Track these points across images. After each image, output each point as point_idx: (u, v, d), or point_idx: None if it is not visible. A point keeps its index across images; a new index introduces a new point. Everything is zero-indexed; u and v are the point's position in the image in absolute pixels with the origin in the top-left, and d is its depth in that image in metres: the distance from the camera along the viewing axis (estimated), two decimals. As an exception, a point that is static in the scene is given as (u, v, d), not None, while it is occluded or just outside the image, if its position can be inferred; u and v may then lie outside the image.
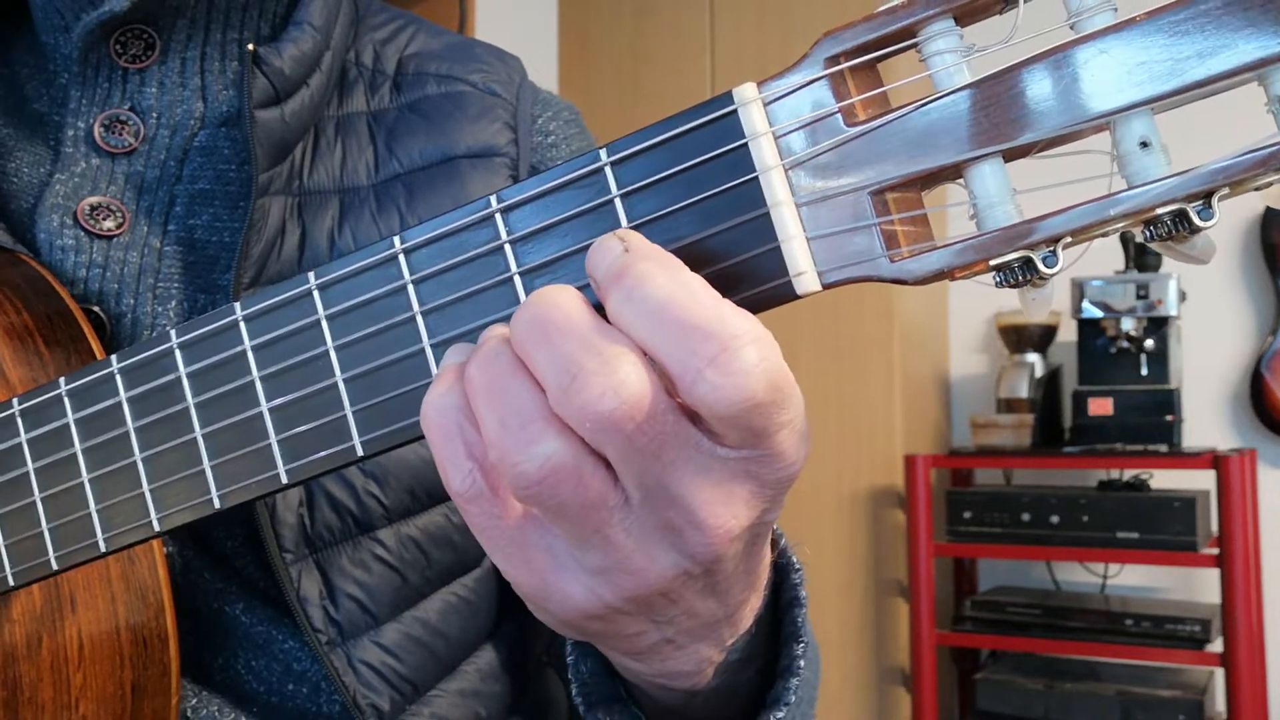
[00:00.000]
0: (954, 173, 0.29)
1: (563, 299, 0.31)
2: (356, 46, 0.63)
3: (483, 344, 0.32)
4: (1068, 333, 2.37)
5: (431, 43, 0.65)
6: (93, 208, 0.54)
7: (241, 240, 0.52)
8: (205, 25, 0.57)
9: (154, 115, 0.57)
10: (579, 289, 0.32)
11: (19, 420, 0.42)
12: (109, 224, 0.54)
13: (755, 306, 0.31)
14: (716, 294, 0.30)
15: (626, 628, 0.35)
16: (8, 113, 0.59)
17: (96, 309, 0.53)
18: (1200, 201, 0.25)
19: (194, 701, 0.52)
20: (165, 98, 0.57)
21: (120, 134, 0.56)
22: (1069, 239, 0.27)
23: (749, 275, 0.31)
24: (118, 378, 0.40)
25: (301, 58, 0.56)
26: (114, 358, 0.40)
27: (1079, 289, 2.18)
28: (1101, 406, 2.19)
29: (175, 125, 0.57)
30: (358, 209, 0.57)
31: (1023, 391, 2.35)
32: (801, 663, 0.43)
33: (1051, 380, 2.39)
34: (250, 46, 0.54)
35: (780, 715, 0.43)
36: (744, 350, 0.29)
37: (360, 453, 0.36)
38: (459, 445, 0.32)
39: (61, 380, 0.42)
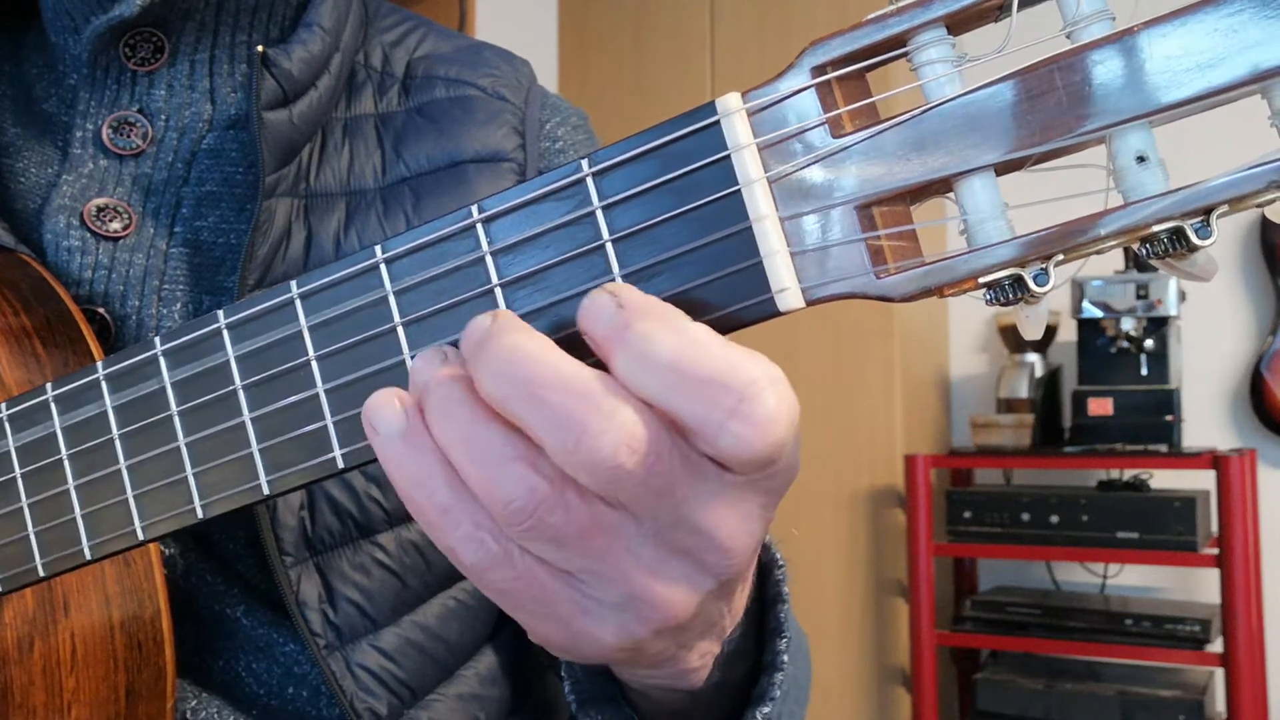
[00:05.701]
0: (944, 186, 0.28)
1: (537, 351, 0.29)
2: (366, 48, 0.62)
3: (431, 393, 0.31)
4: (1068, 333, 2.37)
5: (441, 46, 0.64)
6: (100, 209, 0.54)
7: (247, 242, 0.52)
8: (214, 28, 0.57)
9: (162, 118, 0.56)
10: (550, 306, 0.31)
11: (7, 425, 0.42)
12: (115, 225, 0.54)
13: (736, 323, 0.30)
14: (721, 339, 0.29)
15: (652, 648, 0.34)
16: (16, 113, 0.59)
17: (101, 311, 0.53)
18: (1198, 219, 0.24)
19: (194, 703, 0.52)
20: (174, 100, 0.57)
21: (128, 136, 0.56)
22: (1061, 256, 0.26)
23: (730, 291, 0.30)
24: (103, 384, 0.40)
25: (310, 59, 0.55)
26: (100, 364, 0.40)
27: (1079, 289, 2.17)
28: (1101, 406, 2.19)
29: (183, 128, 0.56)
30: (364, 212, 0.56)
31: (1023, 391, 2.34)
32: (785, 658, 0.43)
33: (1051, 380, 2.39)
34: (259, 48, 0.54)
35: (767, 710, 0.42)
36: (764, 396, 0.28)
37: (341, 464, 0.35)
38: (462, 520, 0.31)
39: (48, 385, 0.41)
